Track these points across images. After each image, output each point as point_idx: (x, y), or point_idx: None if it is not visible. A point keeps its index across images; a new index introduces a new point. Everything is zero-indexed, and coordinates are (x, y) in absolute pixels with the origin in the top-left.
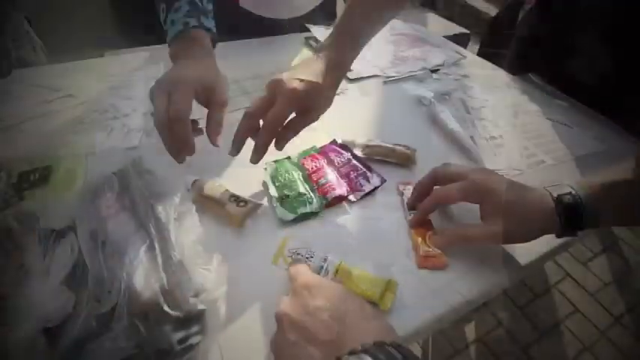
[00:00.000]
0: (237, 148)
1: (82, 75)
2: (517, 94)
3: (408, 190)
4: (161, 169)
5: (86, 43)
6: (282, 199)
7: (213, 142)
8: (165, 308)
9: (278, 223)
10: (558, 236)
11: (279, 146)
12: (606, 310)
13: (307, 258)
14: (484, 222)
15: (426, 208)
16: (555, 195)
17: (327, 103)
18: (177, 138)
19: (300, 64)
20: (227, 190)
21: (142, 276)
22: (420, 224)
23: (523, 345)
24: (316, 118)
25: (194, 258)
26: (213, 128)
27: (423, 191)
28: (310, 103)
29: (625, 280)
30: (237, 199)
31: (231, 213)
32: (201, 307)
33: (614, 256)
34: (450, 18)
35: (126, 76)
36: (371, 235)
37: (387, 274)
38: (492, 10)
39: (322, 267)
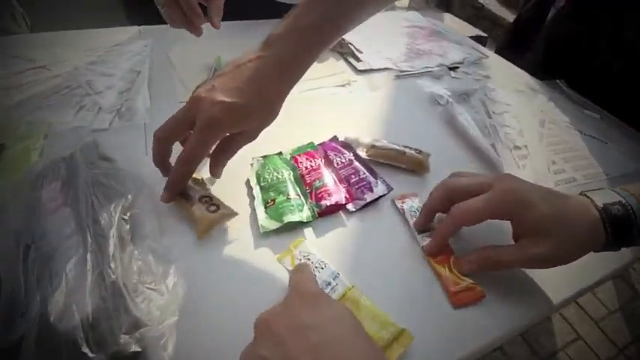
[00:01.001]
0: (163, 172)
1: (62, 47)
2: (543, 101)
3: (410, 205)
4: (131, 159)
5: (83, 16)
6: (267, 203)
7: (215, 25)
8: (84, 349)
9: (258, 232)
10: (598, 251)
11: (214, 173)
12: (610, 340)
13: (316, 267)
14: (519, 242)
15: (444, 233)
16: (601, 204)
17: (267, 118)
18: (183, 4)
19: (232, 67)
20: (203, 185)
21: (62, 300)
22: (439, 252)
23: None
24: (255, 137)
25: (143, 275)
26: (215, 12)
27: (435, 210)
28: (241, 126)
29: (631, 308)
30: (209, 201)
31: (195, 216)
32: (135, 347)
33: (623, 283)
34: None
35: (109, 51)
36: (372, 254)
37: (397, 310)
38: (508, 15)
39: (329, 284)
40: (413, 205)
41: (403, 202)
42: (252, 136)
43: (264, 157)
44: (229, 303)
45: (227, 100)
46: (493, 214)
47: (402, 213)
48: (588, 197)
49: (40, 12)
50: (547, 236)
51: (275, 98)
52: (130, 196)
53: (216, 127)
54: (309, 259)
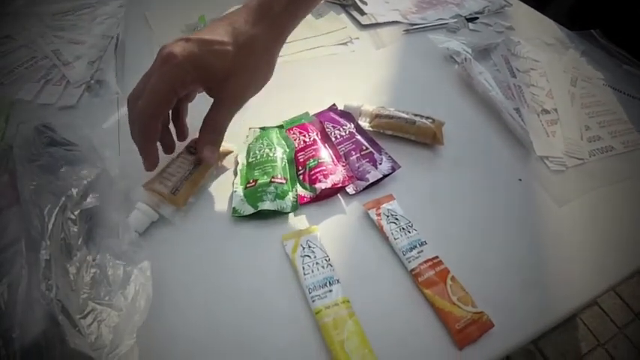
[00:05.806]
0: (145, 154)
1: (28, 13)
2: (576, 56)
3: (386, 213)
4: (102, 139)
5: None
6: (248, 183)
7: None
8: None
9: (231, 215)
10: None
11: (205, 157)
12: (627, 305)
13: (317, 264)
14: None
15: None
16: None
17: (258, 72)
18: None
19: (221, 16)
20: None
21: None
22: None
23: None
24: (239, 103)
25: (96, 287)
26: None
27: None
28: (218, 77)
29: None
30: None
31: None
32: None
33: None
34: None
35: (79, 14)
36: (370, 258)
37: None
38: None
39: (325, 285)
40: (387, 210)
41: (379, 211)
42: (232, 102)
43: (262, 128)
44: (207, 313)
45: (193, 37)
46: None
47: (379, 226)
48: None
49: None
50: None
51: (265, 45)
52: (79, 189)
53: (175, 59)
54: (312, 252)
